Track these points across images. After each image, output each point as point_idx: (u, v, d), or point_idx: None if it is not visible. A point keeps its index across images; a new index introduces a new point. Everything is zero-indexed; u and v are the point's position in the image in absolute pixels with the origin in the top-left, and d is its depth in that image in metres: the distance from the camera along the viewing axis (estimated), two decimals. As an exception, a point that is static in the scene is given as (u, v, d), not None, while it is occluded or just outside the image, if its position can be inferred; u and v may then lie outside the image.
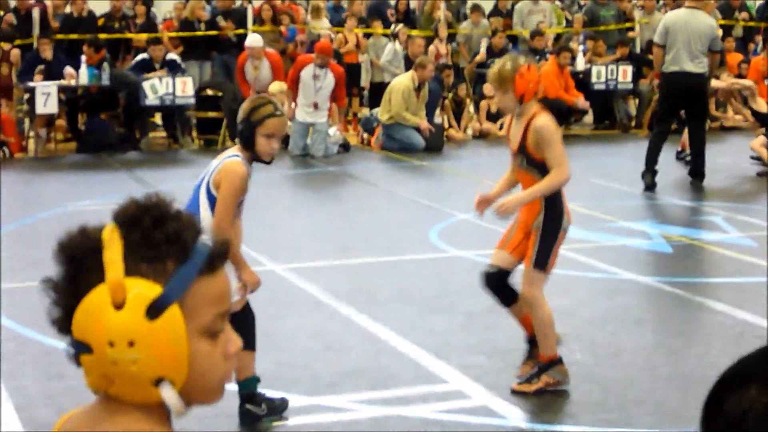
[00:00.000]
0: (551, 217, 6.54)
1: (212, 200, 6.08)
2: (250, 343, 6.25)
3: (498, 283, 6.72)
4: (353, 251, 10.52)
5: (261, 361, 6.53)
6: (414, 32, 20.86)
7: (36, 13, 19.74)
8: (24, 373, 7.14)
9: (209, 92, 18.64)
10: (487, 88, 18.57)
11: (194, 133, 18.76)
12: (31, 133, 17.94)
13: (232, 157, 6.14)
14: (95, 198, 13.54)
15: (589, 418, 6.35)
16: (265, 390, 6.43)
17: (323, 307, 8.60)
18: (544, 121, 6.41)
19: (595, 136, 19.85)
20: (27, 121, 18.18)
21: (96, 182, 15.06)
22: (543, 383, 6.61)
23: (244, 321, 6.20)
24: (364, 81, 20.57)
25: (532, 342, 6.79)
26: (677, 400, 6.61)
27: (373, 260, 10.14)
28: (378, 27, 21.18)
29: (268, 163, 6.25)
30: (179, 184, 14.15)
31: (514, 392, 6.61)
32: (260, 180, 15.00)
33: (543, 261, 6.54)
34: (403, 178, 15.09)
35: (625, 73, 20.04)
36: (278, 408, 6.39)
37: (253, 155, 6.16)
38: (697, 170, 14.13)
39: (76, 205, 13.04)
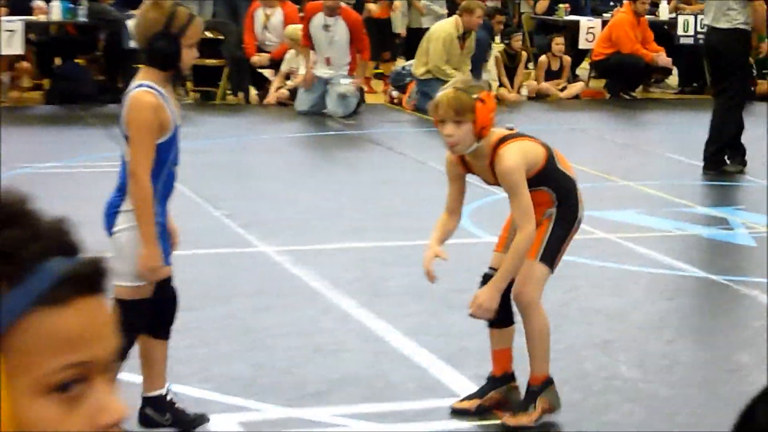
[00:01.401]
0: (567, 208, 6.50)
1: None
2: (161, 331, 6.26)
3: None
4: (364, 233, 10.52)
5: (236, 363, 6.54)
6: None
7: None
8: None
9: (208, 35, 18.65)
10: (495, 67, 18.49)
11: (189, 84, 18.79)
12: (-7, 79, 18.04)
13: (134, 89, 6.00)
14: (64, 159, 13.62)
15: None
16: (235, 397, 6.44)
17: (318, 300, 8.61)
18: (508, 163, 6.28)
19: (680, 101, 19.76)
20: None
21: (64, 139, 15.13)
22: (540, 410, 6.51)
23: (127, 313, 5.89)
24: (400, 27, 20.50)
25: (494, 381, 6.71)
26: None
27: (387, 244, 10.15)
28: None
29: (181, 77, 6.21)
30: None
31: (509, 429, 6.50)
32: (258, 144, 15.15)
33: (551, 255, 6.46)
34: (437, 145, 14.97)
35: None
36: (190, 422, 6.37)
37: (174, 73, 6.14)
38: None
39: (39, 168, 13.10)
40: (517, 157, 6.33)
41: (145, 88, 5.96)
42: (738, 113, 13.74)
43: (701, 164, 13.74)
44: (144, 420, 6.32)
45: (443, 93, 6.41)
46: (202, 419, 6.38)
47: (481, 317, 6.46)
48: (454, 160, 6.54)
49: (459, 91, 6.33)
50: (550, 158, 6.51)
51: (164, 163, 6.05)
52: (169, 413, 6.30)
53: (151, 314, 6.18)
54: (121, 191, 6.03)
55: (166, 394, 6.32)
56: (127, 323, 5.69)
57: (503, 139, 6.40)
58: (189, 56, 6.07)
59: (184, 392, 6.78)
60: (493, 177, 6.44)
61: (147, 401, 6.30)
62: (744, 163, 13.63)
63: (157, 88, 5.98)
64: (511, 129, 6.65)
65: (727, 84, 13.70)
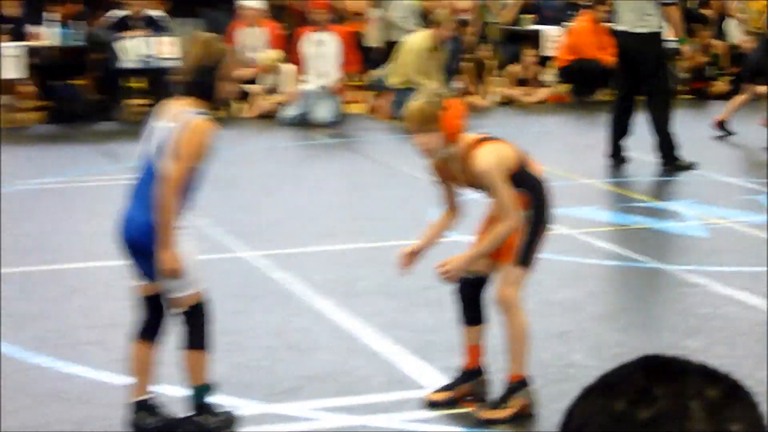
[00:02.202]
0: (539, 209, 6.46)
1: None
2: (202, 342, 6.21)
3: (471, 292, 6.61)
4: (338, 236, 10.49)
5: (216, 363, 6.48)
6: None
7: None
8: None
9: (195, 54, 18.63)
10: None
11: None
12: (-6, 101, 17.97)
13: (195, 114, 6.03)
14: (54, 175, 13.55)
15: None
16: (218, 395, 6.39)
17: (294, 301, 8.57)
18: (483, 165, 6.25)
19: (640, 102, 19.67)
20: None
21: (59, 157, 15.08)
22: (517, 407, 6.44)
23: (197, 317, 6.15)
24: (378, 41, 20.46)
25: (465, 374, 6.67)
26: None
27: (360, 246, 10.11)
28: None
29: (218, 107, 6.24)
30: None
31: (481, 422, 6.42)
32: (240, 154, 15.09)
33: (527, 257, 6.44)
34: (410, 151, 14.96)
35: (679, 31, 19.87)
36: (227, 422, 6.33)
37: (212, 104, 6.18)
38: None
39: (29, 184, 13.05)
40: (491, 157, 6.30)
41: (204, 117, 6.03)
42: (670, 110, 13.78)
43: (654, 160, 13.73)
44: (190, 428, 6.26)
45: (409, 107, 6.39)
46: (233, 418, 6.36)
47: (446, 280, 6.45)
48: (435, 163, 6.52)
49: (424, 103, 6.30)
50: (522, 161, 6.48)
51: (195, 182, 6.14)
52: (213, 417, 6.26)
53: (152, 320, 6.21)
54: (146, 208, 6.03)
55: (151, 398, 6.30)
56: (199, 326, 6.10)
57: (477, 141, 6.38)
58: (225, 87, 6.18)
59: (165, 392, 6.74)
60: (467, 179, 6.41)
61: (193, 408, 6.26)
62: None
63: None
64: (485, 134, 6.64)
65: (653, 86, 13.72)
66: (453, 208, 6.65)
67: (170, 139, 5.99)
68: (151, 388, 6.28)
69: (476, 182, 6.36)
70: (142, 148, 6.22)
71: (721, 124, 16.00)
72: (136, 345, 6.24)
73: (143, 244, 6.07)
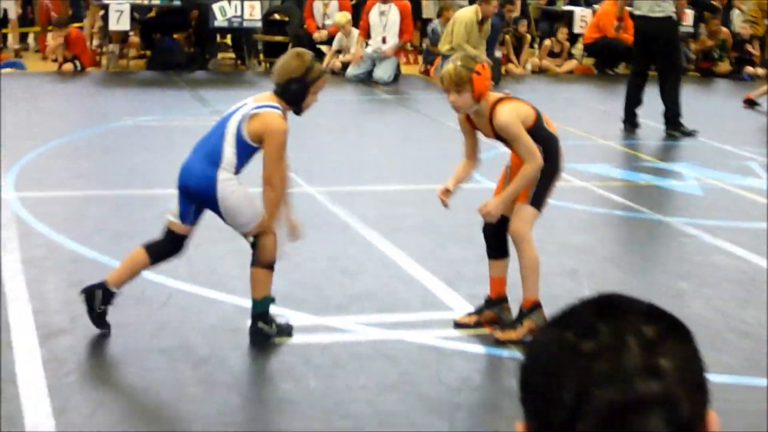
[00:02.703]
0: (551, 160, 6.44)
1: (240, 143, 6.08)
2: (269, 262, 6.25)
3: (495, 230, 6.60)
4: (389, 178, 10.48)
5: (275, 280, 6.50)
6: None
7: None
8: (48, 279, 7.21)
9: (276, 17, 18.60)
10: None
11: (261, 56, 18.74)
12: (104, 49, 18.03)
13: (269, 108, 6.09)
14: (156, 114, 13.60)
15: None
16: (274, 307, 6.42)
17: (347, 231, 8.58)
18: (504, 117, 6.23)
19: (653, 76, 19.51)
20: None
21: (160, 99, 15.13)
22: (527, 329, 6.42)
23: (268, 240, 6.21)
24: (432, 13, 20.40)
25: (490, 302, 6.67)
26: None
27: (406, 188, 10.10)
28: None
29: (300, 114, 6.26)
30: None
31: (498, 342, 6.40)
32: (313, 106, 15.00)
33: (539, 200, 6.43)
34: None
35: (686, 17, 19.66)
36: (285, 330, 6.38)
37: (295, 109, 6.19)
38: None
39: (135, 120, 13.11)
40: (512, 113, 6.30)
41: (279, 113, 6.09)
42: (680, 85, 13.74)
43: (665, 128, 13.66)
44: (255, 335, 6.26)
45: (446, 69, 6.38)
46: (290, 327, 6.39)
47: (486, 219, 6.44)
48: (463, 118, 6.52)
49: (458, 66, 6.29)
50: (538, 119, 6.45)
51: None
52: (274, 324, 6.30)
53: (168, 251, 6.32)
54: (214, 163, 6.09)
55: None
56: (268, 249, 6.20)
57: (499, 100, 6.37)
58: (311, 100, 6.23)
59: (233, 302, 6.79)
60: (491, 131, 6.40)
61: (256, 317, 6.27)
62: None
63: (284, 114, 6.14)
64: (507, 93, 6.63)
65: (666, 64, 13.66)
66: (471, 157, 6.63)
67: (244, 116, 6.07)
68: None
69: (499, 134, 6.36)
70: (225, 114, 6.24)
71: (750, 102, 16.00)
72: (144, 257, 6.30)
73: (194, 191, 6.14)
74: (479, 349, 6.34)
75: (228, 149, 6.08)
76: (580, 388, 1.32)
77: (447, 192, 6.56)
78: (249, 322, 6.31)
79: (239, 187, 6.14)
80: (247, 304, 6.36)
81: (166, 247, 6.27)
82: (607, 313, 1.38)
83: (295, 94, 6.13)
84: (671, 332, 1.37)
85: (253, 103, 6.16)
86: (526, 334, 6.41)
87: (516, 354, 6.23)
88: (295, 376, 5.84)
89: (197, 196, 6.15)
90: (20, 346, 6.04)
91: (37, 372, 5.71)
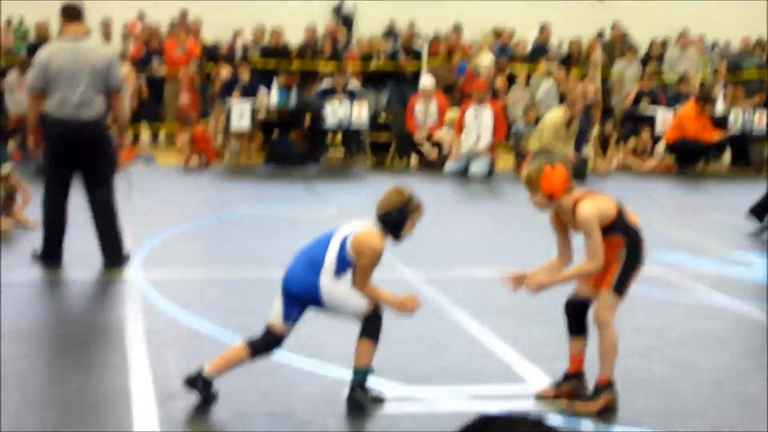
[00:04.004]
0: (633, 250, 6.46)
1: (342, 258, 6.30)
2: (375, 336, 6.41)
3: (577, 311, 6.67)
4: (480, 264, 10.55)
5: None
6: (568, 72, 20.76)
7: (239, 42, 20.31)
8: (167, 350, 7.40)
9: (382, 117, 18.90)
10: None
11: (367, 152, 19.03)
12: (227, 145, 18.45)
13: (374, 229, 6.39)
14: (271, 204, 13.87)
15: (649, 423, 6.28)
16: (372, 379, 6.52)
17: (439, 311, 8.67)
18: (583, 214, 6.29)
19: (730, 175, 19.44)
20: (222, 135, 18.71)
21: (276, 191, 15.42)
22: (603, 402, 6.47)
23: (374, 317, 6.38)
24: (517, 114, 20.55)
25: (568, 377, 6.71)
26: (735, 415, 6.49)
27: (496, 273, 10.14)
28: (541, 65, 21.17)
29: (398, 242, 6.50)
30: (350, 196, 14.41)
31: (577, 413, 6.43)
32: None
33: (621, 287, 6.46)
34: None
35: (761, 119, 19.58)
36: (378, 399, 6.49)
37: (394, 236, 6.43)
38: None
39: (253, 209, 13.38)
40: (591, 210, 6.33)
41: (380, 234, 6.39)
42: None
43: (738, 221, 13.54)
44: (352, 402, 6.41)
45: (523, 172, 6.51)
46: (383, 397, 6.52)
47: (530, 291, 6.49)
48: (553, 215, 6.59)
49: (530, 168, 6.41)
50: (620, 212, 6.48)
51: None
52: (370, 394, 6.44)
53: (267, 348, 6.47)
54: (316, 269, 6.31)
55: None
56: (372, 326, 6.41)
57: (581, 197, 6.43)
58: (409, 229, 6.49)
59: (333, 373, 6.90)
60: (576, 225, 6.47)
61: (355, 385, 6.42)
62: None
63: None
64: (590, 190, 6.67)
65: None
66: (564, 254, 6.65)
67: (351, 233, 6.34)
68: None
69: (579, 228, 6.42)
70: (329, 231, 6.47)
71: None
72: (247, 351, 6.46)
73: (298, 295, 6.34)
74: (557, 420, 6.36)
75: (329, 259, 6.32)
76: None
77: (521, 278, 6.59)
78: (347, 391, 6.43)
79: (340, 283, 6.32)
80: (346, 375, 6.48)
81: (266, 345, 6.44)
82: (495, 425, 1.51)
83: (395, 223, 6.40)
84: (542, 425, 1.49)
85: (357, 225, 6.40)
86: (602, 406, 6.45)
87: (592, 425, 6.25)
88: (385, 441, 5.93)
89: (302, 299, 6.34)
90: (139, 409, 6.22)
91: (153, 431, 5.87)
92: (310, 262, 6.36)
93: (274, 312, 6.42)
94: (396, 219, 6.40)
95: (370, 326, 6.41)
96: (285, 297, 6.39)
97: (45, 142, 9.80)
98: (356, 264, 6.32)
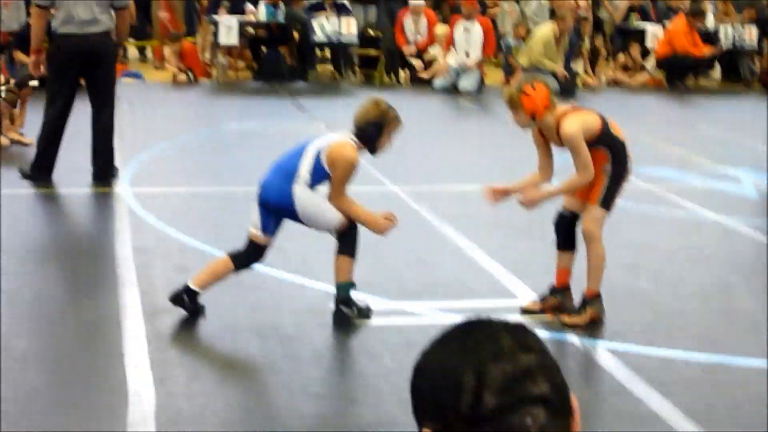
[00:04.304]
0: (619, 163, 6.47)
1: (317, 167, 6.26)
2: (351, 252, 6.39)
3: (567, 225, 6.68)
4: (468, 179, 10.54)
5: (358, 268, 6.62)
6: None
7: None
8: (155, 264, 7.41)
9: (371, 33, 18.75)
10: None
11: (356, 68, 18.90)
12: (215, 61, 18.31)
13: (349, 140, 6.31)
14: (259, 120, 13.81)
15: (635, 337, 6.33)
16: (356, 292, 6.54)
17: (426, 225, 8.69)
18: (568, 130, 6.28)
19: (720, 90, 19.38)
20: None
21: (263, 106, 15.34)
22: (589, 316, 6.51)
23: (351, 233, 6.36)
24: (507, 28, 20.38)
25: (555, 290, 6.72)
26: (721, 329, 6.54)
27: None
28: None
29: (374, 154, 6.43)
30: (339, 112, 14.34)
31: (564, 324, 6.49)
32: (402, 113, 15.14)
33: (608, 201, 6.48)
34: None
35: (751, 34, 19.47)
36: (364, 312, 6.51)
37: (370, 149, 6.36)
38: None
39: (241, 125, 13.33)
40: (575, 125, 6.33)
41: (354, 145, 6.34)
42: None
43: (729, 135, 13.54)
44: (337, 316, 6.42)
45: (505, 91, 6.52)
46: (370, 310, 6.53)
47: (525, 207, 6.55)
48: (536, 132, 6.58)
49: (512, 89, 6.42)
50: (605, 125, 6.49)
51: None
52: (355, 307, 6.44)
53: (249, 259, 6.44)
54: (290, 179, 6.26)
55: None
56: (347, 240, 6.34)
57: (565, 113, 6.42)
58: (385, 142, 6.45)
59: (320, 288, 6.92)
60: (560, 142, 6.46)
61: (338, 300, 6.43)
62: None
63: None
64: (573, 105, 6.67)
65: None
66: (544, 169, 6.66)
67: (325, 145, 6.28)
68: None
69: (564, 145, 6.41)
70: (303, 141, 6.41)
71: None
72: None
73: (273, 205, 6.31)
74: (543, 333, 6.39)
75: (304, 168, 6.26)
76: (478, 369, 1.45)
77: (502, 192, 6.62)
78: (333, 305, 6.45)
79: (314, 195, 6.28)
80: (332, 289, 6.50)
81: (249, 256, 6.43)
82: (476, 322, 1.53)
83: (371, 136, 6.34)
84: (527, 327, 1.54)
85: (334, 136, 6.35)
86: (589, 319, 6.49)
87: (578, 338, 6.29)
88: (372, 354, 5.97)
89: (277, 209, 6.31)
90: (128, 324, 6.24)
91: (141, 346, 5.89)
92: (285, 171, 6.32)
93: (253, 222, 6.41)
94: (372, 131, 6.34)
95: (346, 241, 6.38)
96: (261, 207, 6.37)
97: (50, 58, 9.77)
98: (332, 176, 6.29)
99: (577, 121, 6.36)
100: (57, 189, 9.68)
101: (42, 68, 9.87)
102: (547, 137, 6.52)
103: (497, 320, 1.55)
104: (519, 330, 1.52)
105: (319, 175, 6.27)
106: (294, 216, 6.32)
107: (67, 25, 9.55)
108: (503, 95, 6.48)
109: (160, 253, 7.69)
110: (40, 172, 9.79)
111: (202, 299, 6.40)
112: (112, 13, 9.80)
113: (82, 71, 9.70)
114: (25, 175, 9.83)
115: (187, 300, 6.35)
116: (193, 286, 6.36)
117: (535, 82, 6.42)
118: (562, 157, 6.69)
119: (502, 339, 1.48)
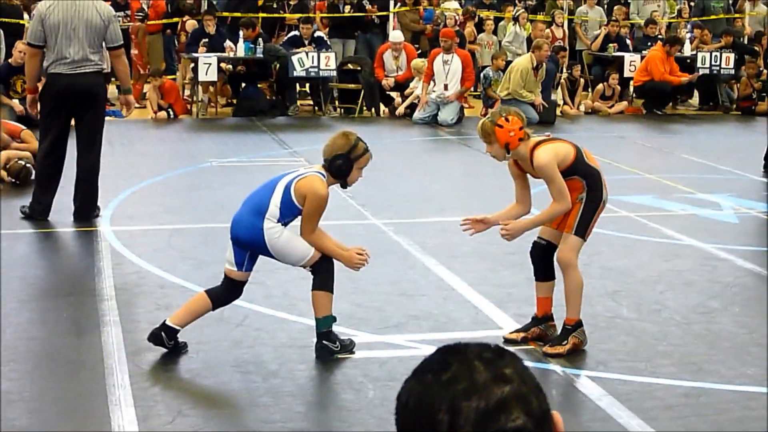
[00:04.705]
0: (594, 192, 6.50)
1: (287, 201, 6.23)
2: (328, 286, 6.38)
3: (542, 254, 6.70)
4: (447, 211, 10.56)
5: (340, 302, 6.64)
6: (535, 17, 20.71)
7: (204, -7, 20.12)
8: (138, 302, 7.40)
9: (350, 66, 18.81)
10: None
11: (336, 102, 18.95)
12: (195, 98, 18.34)
13: (316, 173, 6.28)
14: (240, 155, 13.82)
15: (617, 365, 6.34)
16: (339, 326, 6.54)
17: (408, 258, 8.70)
18: (540, 160, 6.31)
19: (699, 116, 19.48)
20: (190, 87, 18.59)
21: (244, 142, 15.36)
22: (571, 344, 6.52)
23: (326, 267, 6.34)
24: (486, 61, 20.49)
25: (536, 320, 6.75)
26: (702, 354, 6.56)
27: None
28: (509, 11, 21.09)
29: (345, 188, 6.42)
30: (318, 146, 14.36)
31: (546, 355, 6.49)
32: (380, 145, 15.22)
33: (583, 229, 6.50)
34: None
35: (728, 60, 19.60)
36: (348, 347, 6.50)
37: (341, 182, 6.34)
38: None
39: (221, 161, 13.34)
40: (548, 155, 6.36)
41: (323, 179, 6.27)
42: None
43: (709, 162, 13.62)
44: (320, 351, 6.39)
45: (479, 123, 6.54)
46: (353, 343, 6.51)
47: (506, 239, 6.52)
48: (511, 163, 6.61)
49: (485, 120, 6.44)
50: (579, 155, 6.52)
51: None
52: (337, 341, 6.41)
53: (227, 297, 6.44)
54: (260, 214, 6.24)
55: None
56: (323, 275, 6.29)
57: (538, 143, 6.45)
58: (355, 176, 6.38)
59: (302, 322, 6.92)
60: (535, 172, 6.49)
61: (320, 335, 6.39)
62: None
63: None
64: (548, 135, 6.69)
65: None
66: (522, 200, 6.68)
67: (295, 178, 6.26)
68: None
69: (539, 175, 6.44)
70: (275, 176, 6.41)
71: None
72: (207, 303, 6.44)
73: (244, 241, 6.29)
74: (527, 363, 6.39)
75: (273, 204, 6.24)
76: (451, 406, 1.47)
77: (482, 223, 6.63)
78: (315, 340, 6.45)
79: (284, 231, 6.27)
80: (314, 323, 6.50)
81: (226, 293, 6.42)
82: (453, 351, 1.54)
83: (340, 169, 6.28)
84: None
85: (304, 170, 6.35)
86: (570, 348, 6.50)
87: (560, 368, 6.30)
88: (355, 387, 5.96)
89: (249, 245, 6.30)
90: (110, 362, 6.22)
91: (124, 384, 5.88)
92: (255, 207, 6.30)
93: (228, 258, 6.40)
94: (342, 164, 6.29)
95: (322, 276, 6.35)
96: (234, 243, 6.36)
97: (42, 97, 9.79)
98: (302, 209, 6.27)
99: (550, 150, 6.39)
100: (38, 228, 9.67)
101: (38, 106, 9.89)
102: (523, 168, 6.55)
103: (474, 348, 1.56)
104: (495, 358, 1.53)
105: (289, 210, 6.26)
106: (265, 251, 6.30)
107: (59, 65, 9.56)
108: (477, 127, 6.51)
109: (142, 290, 7.68)
110: (39, 212, 9.82)
111: (184, 336, 6.39)
112: (105, 53, 9.84)
113: (73, 110, 9.71)
114: (26, 215, 9.87)
115: (166, 338, 6.33)
116: (171, 324, 6.35)
117: (508, 113, 6.45)
118: (539, 188, 6.71)
119: (476, 372, 1.50)
